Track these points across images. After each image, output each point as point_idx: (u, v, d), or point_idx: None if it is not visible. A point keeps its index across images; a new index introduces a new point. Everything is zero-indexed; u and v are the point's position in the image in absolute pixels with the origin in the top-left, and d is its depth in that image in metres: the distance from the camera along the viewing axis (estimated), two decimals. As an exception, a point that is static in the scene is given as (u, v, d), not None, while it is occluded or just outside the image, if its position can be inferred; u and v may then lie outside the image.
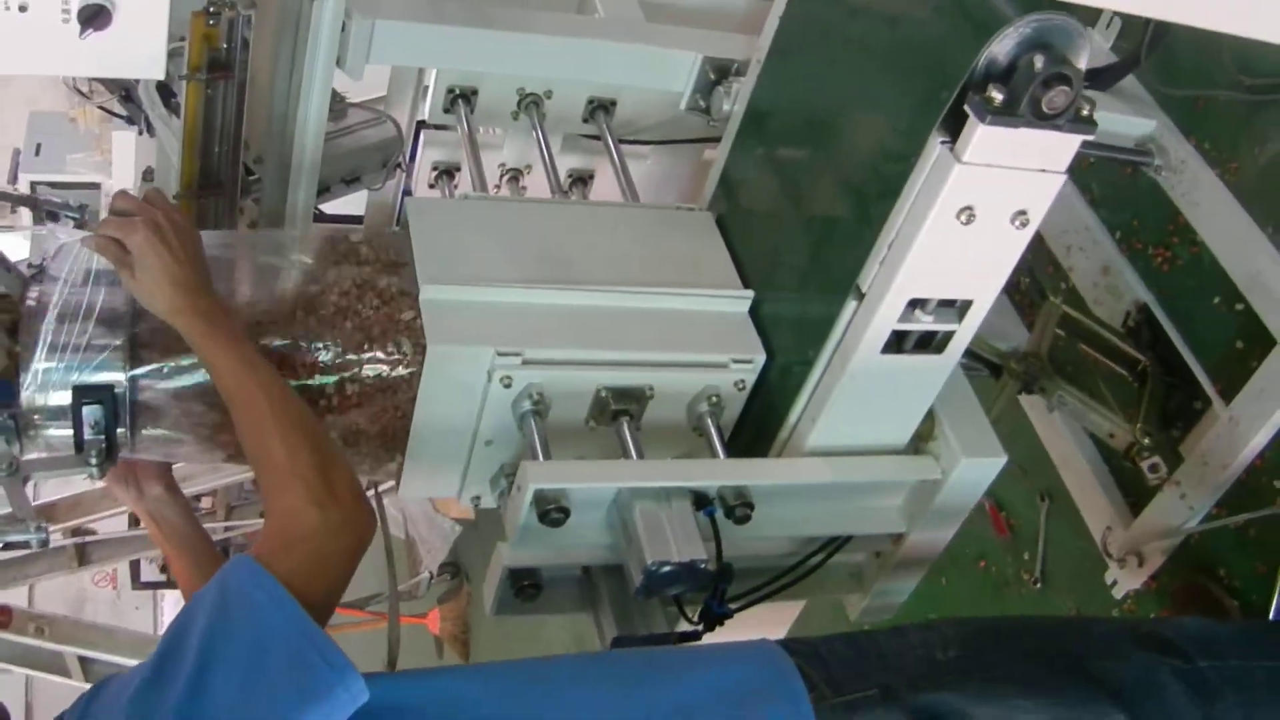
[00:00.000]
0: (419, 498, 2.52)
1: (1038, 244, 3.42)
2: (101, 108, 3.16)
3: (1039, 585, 3.58)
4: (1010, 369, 2.88)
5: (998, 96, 1.61)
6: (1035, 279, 3.57)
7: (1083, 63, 1.62)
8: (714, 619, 1.99)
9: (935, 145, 1.69)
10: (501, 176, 2.88)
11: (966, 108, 1.64)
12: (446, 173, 2.89)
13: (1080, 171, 3.40)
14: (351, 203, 2.86)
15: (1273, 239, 2.77)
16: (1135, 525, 3.09)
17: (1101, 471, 3.27)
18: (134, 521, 5.39)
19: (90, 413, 1.90)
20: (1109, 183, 3.35)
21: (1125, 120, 2.92)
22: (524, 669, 1.76)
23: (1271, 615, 2.81)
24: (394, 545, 7.59)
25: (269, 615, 1.51)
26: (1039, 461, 3.47)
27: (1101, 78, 2.97)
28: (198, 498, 5.77)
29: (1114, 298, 3.22)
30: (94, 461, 1.93)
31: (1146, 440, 2.85)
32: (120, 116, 3.13)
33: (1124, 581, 3.14)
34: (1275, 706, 2.12)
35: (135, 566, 8.52)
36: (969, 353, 2.78)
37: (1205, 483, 2.90)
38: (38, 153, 7.70)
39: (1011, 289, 3.54)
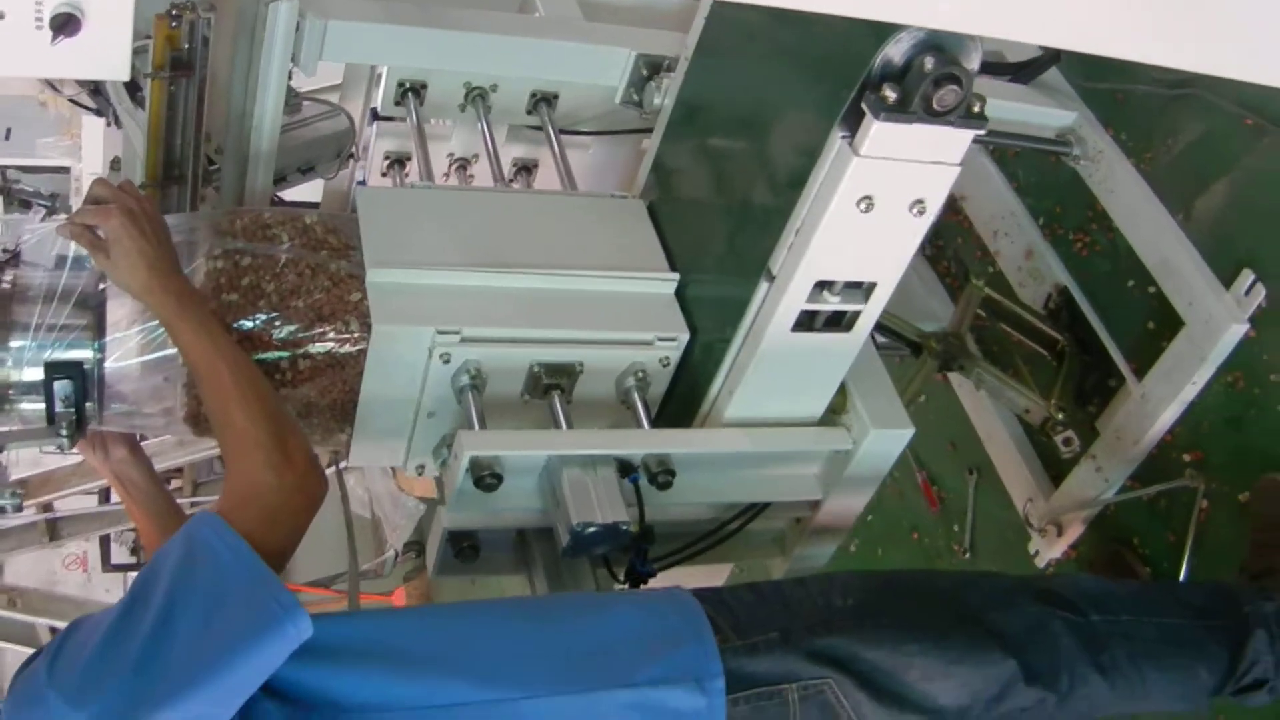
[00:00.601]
0: (367, 464, 2.64)
1: (968, 229, 3.57)
2: (72, 100, 3.25)
3: (968, 555, 3.71)
4: (930, 348, 3.01)
5: (891, 95, 1.73)
6: (962, 262, 3.70)
7: (973, 64, 1.75)
8: (638, 578, 2.12)
9: (836, 140, 1.82)
10: (450, 165, 2.99)
11: (863, 105, 1.77)
12: (398, 162, 3.00)
13: (1007, 160, 3.54)
14: (310, 191, 2.99)
15: (1183, 226, 2.92)
16: (1055, 497, 3.24)
17: (1024, 446, 3.41)
18: (104, 498, 5.48)
19: (61, 388, 2.05)
20: (1034, 171, 3.48)
21: (1047, 112, 3.07)
22: (455, 608, 1.91)
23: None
24: (359, 524, 7.64)
25: (228, 561, 1.66)
26: (968, 438, 3.62)
27: (1025, 72, 3.11)
28: (167, 475, 5.84)
29: (1036, 281, 3.36)
30: (64, 433, 2.07)
31: (1060, 415, 2.99)
32: (89, 109, 3.22)
33: (1045, 551, 3.29)
34: (1163, 658, 2.26)
35: (106, 547, 8.55)
36: (890, 332, 2.94)
37: (1119, 456, 3.05)
38: (8, 137, 7.71)
39: (944, 273, 3.70)
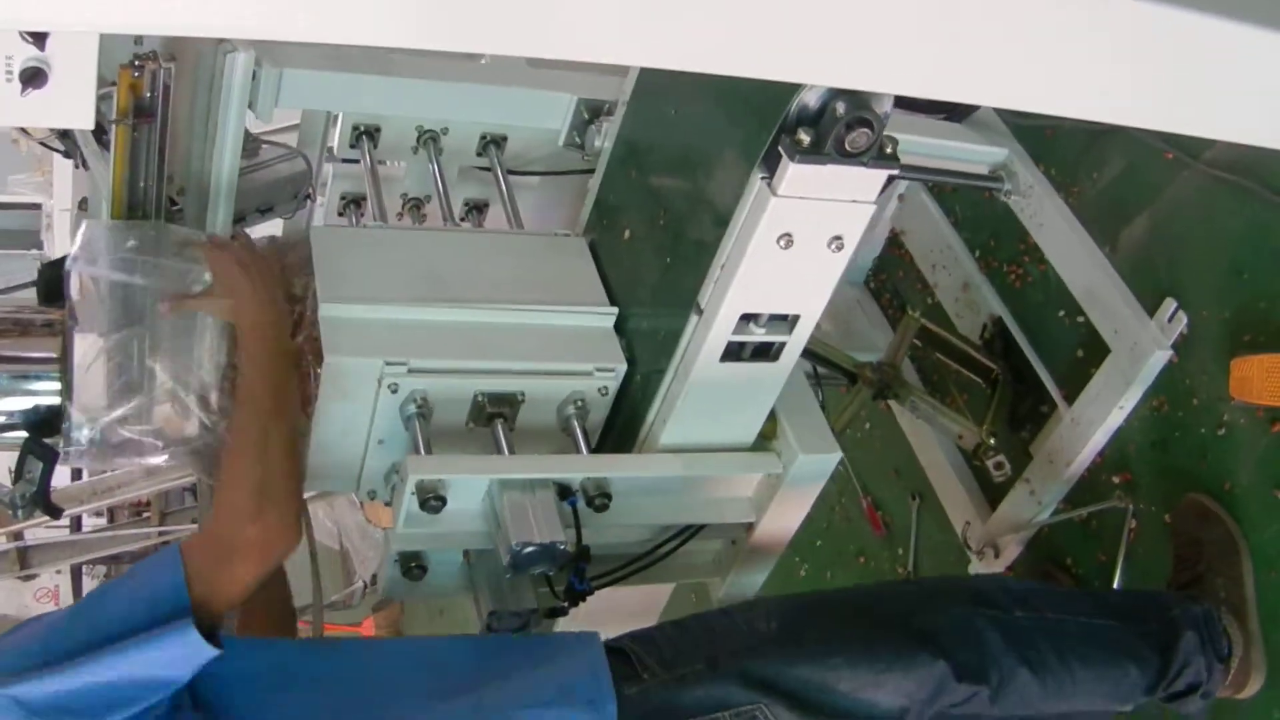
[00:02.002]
0: (322, 490, 2.69)
1: (908, 263, 3.68)
2: (42, 143, 3.33)
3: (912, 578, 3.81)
4: (865, 377, 3.12)
5: (806, 138, 1.84)
6: (900, 294, 3.80)
7: (884, 108, 1.84)
8: (576, 595, 2.21)
9: (756, 180, 1.92)
10: (404, 205, 3.08)
11: (780, 148, 1.87)
12: (354, 202, 3.09)
13: (944, 195, 3.65)
14: (269, 230, 3.07)
15: (1109, 256, 3.03)
16: (991, 520, 3.34)
17: (962, 472, 3.51)
18: (75, 527, 5.54)
19: (30, 464, 2.18)
20: (970, 206, 3.59)
21: (980, 149, 3.17)
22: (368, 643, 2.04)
23: (1112, 598, 3.05)
24: (328, 556, 7.67)
25: (159, 571, 1.82)
26: (910, 465, 3.72)
27: (958, 109, 3.22)
28: (136, 507, 5.90)
29: (973, 312, 3.47)
30: (19, 504, 2.21)
31: (992, 441, 3.10)
32: (58, 151, 3.29)
33: (984, 572, 3.39)
34: (1089, 655, 2.33)
35: (78, 580, 8.59)
36: (827, 362, 3.05)
37: (1052, 479, 3.16)
38: (-20, 173, 7.78)
39: (886, 305, 3.80)
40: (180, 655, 1.74)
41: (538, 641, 2.15)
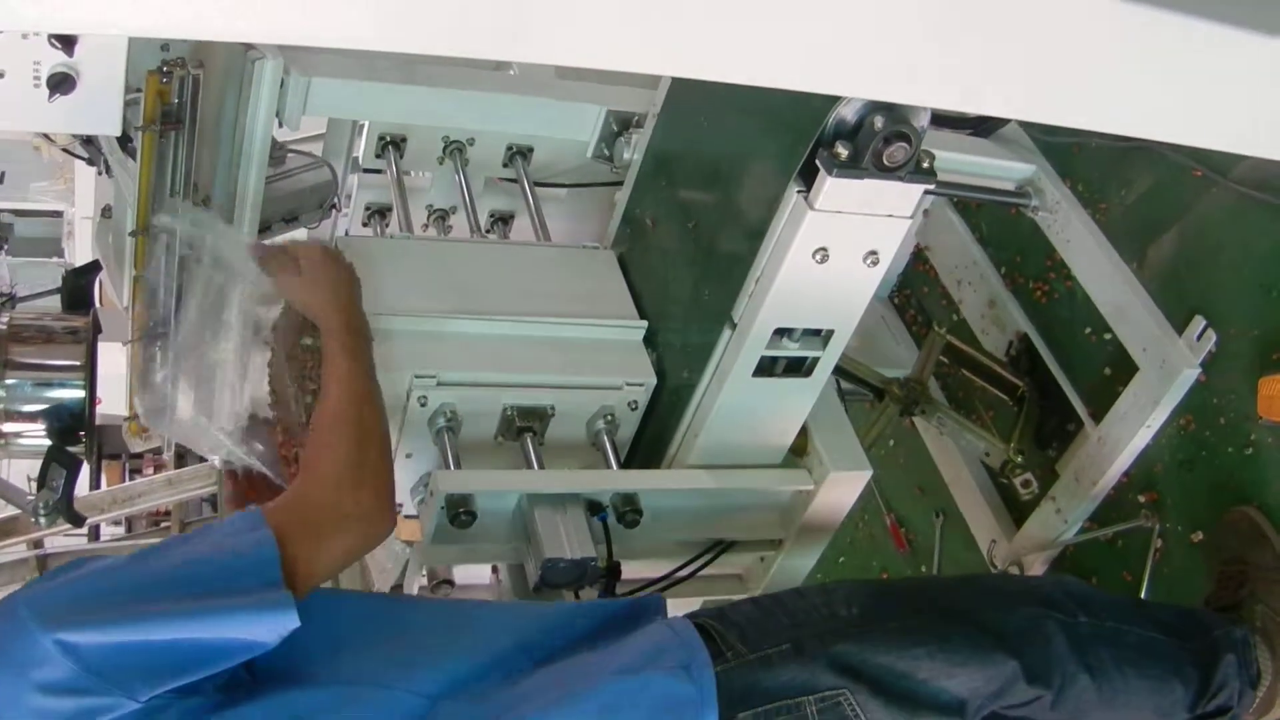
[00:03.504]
0: None
1: (933, 279, 3.66)
2: (65, 149, 3.33)
3: (935, 596, 3.77)
4: (892, 393, 3.10)
5: (844, 152, 1.83)
6: (927, 310, 3.78)
7: (921, 122, 1.83)
8: (606, 612, 2.20)
9: (792, 194, 1.91)
10: (430, 216, 3.08)
11: (818, 162, 1.86)
12: (379, 213, 3.09)
13: (970, 212, 3.62)
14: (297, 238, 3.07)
15: (1137, 274, 3.01)
16: (1017, 538, 3.31)
17: (988, 490, 3.48)
18: (94, 536, 5.52)
19: (54, 473, 2.16)
20: (996, 222, 3.56)
21: (1007, 165, 3.15)
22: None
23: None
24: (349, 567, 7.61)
25: (243, 536, 1.71)
26: (935, 482, 3.69)
27: (986, 126, 3.21)
28: (155, 516, 5.88)
29: (999, 328, 3.45)
30: (43, 512, 2.19)
31: (1019, 458, 3.07)
32: (81, 158, 3.29)
33: (1013, 588, 3.36)
34: (1144, 666, 2.31)
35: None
36: (854, 378, 3.03)
37: (1078, 498, 3.12)
38: (2, 180, 7.75)
39: (911, 321, 3.78)
40: (268, 626, 1.63)
41: (617, 605, 2.10)
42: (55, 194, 7.08)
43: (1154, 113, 1.39)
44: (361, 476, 1.86)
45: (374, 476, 1.89)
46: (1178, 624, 2.48)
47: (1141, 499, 3.08)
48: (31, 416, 2.21)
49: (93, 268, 3.00)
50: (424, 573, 2.23)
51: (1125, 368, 3.02)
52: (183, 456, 4.01)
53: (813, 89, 1.29)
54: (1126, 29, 1.24)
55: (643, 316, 2.39)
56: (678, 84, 2.41)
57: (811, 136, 1.86)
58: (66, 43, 2.00)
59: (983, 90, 1.33)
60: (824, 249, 1.93)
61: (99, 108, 2.10)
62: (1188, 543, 2.95)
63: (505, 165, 2.93)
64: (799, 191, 1.91)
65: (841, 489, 2.31)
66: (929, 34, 1.23)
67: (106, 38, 2.04)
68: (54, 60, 2.02)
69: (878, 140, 1.81)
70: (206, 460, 3.88)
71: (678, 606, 2.59)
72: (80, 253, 6.11)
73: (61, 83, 2.01)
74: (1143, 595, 3.00)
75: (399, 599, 2.26)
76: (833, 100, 1.83)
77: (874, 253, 1.97)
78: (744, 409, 2.18)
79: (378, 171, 2.94)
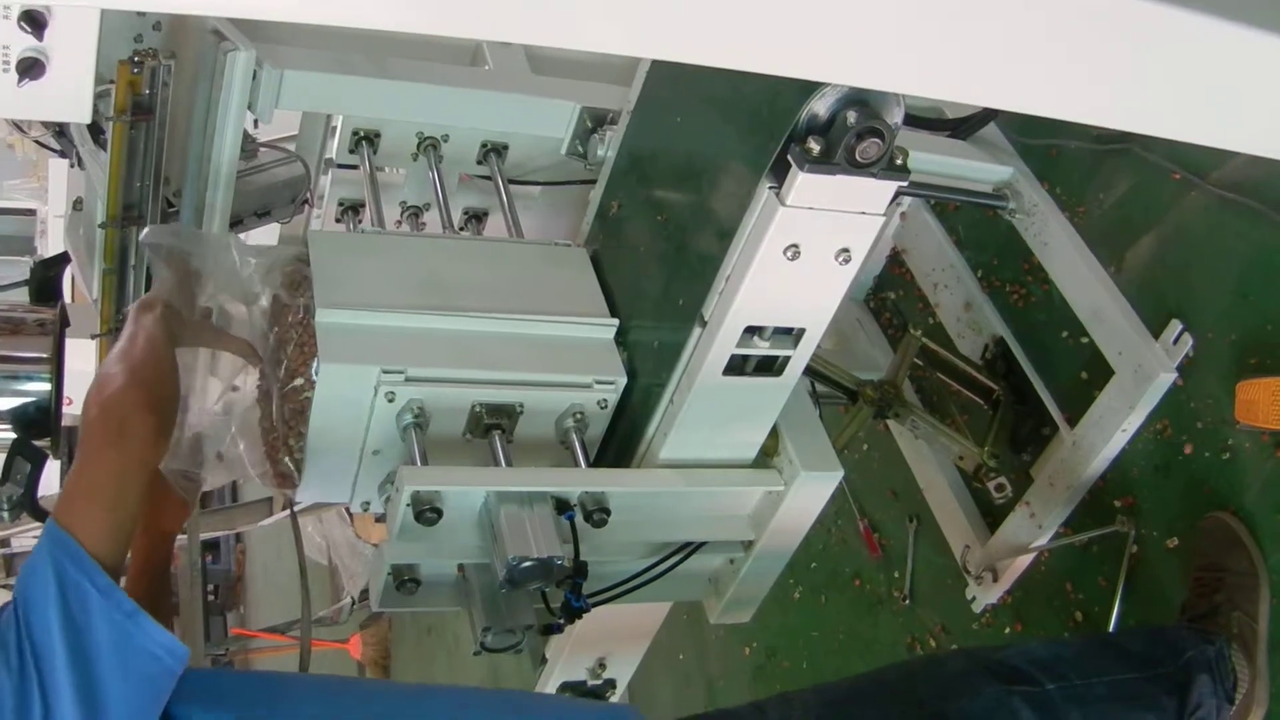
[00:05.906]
0: (316, 501, 2.67)
1: (909, 281, 3.65)
2: (38, 141, 3.32)
3: (908, 602, 3.77)
4: (866, 396, 3.09)
5: (816, 147, 1.80)
6: (902, 313, 3.78)
7: (895, 118, 1.81)
8: (573, 613, 2.18)
9: (764, 190, 1.89)
10: (403, 213, 3.06)
11: (789, 157, 1.84)
12: (352, 209, 3.06)
13: (947, 214, 3.62)
14: (266, 235, 3.05)
15: (1114, 277, 3.01)
16: (990, 544, 3.31)
17: (962, 495, 3.48)
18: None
19: (19, 466, 2.12)
20: (973, 224, 3.57)
21: (984, 167, 3.15)
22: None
23: (1111, 626, 3.01)
24: (317, 571, 7.65)
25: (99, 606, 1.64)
26: (908, 487, 3.69)
27: (963, 128, 3.20)
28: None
29: (975, 331, 3.45)
30: (4, 507, 2.14)
31: (993, 462, 3.07)
32: (54, 150, 3.28)
33: (981, 597, 3.36)
34: (1114, 715, 2.33)
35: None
36: (828, 380, 3.02)
37: (1053, 502, 3.13)
38: (-25, 177, 7.76)
39: (887, 324, 3.78)
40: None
41: (574, 709, 2.09)
42: (29, 191, 7.07)
43: (1151, 107, 1.38)
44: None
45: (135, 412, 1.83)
46: (1147, 652, 2.49)
47: (1117, 504, 3.09)
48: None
49: (61, 259, 2.99)
50: (389, 570, 2.19)
51: (1101, 371, 3.02)
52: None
53: (792, 74, 1.27)
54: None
55: (615, 314, 2.36)
56: (653, 80, 2.39)
57: (784, 131, 1.84)
58: (36, 25, 1.98)
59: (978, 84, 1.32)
60: (795, 246, 1.91)
61: (69, 94, 2.08)
62: (1164, 548, 2.95)
63: (479, 162, 2.91)
64: (770, 188, 1.88)
65: (812, 490, 2.28)
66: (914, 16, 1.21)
67: (75, 21, 2.02)
68: (23, 44, 2.00)
69: (850, 136, 1.79)
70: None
71: (646, 611, 2.58)
72: (54, 250, 6.10)
73: (31, 67, 1.99)
74: (1117, 600, 2.99)
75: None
76: (806, 94, 1.81)
77: (846, 250, 1.94)
78: (714, 408, 2.16)
79: (352, 167, 2.91)
